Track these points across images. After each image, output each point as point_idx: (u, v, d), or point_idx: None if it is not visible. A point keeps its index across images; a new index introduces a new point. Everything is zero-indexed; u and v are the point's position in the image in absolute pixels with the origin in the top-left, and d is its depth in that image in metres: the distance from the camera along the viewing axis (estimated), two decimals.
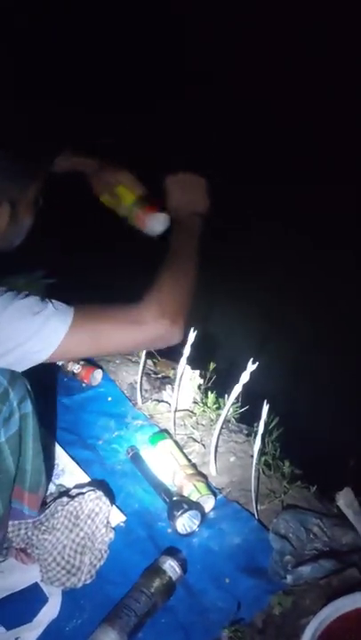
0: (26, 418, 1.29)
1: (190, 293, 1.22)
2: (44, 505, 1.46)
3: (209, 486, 1.60)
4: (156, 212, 1.42)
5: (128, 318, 1.16)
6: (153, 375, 2.08)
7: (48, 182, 1.26)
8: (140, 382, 1.94)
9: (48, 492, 1.56)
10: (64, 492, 1.52)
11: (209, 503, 1.56)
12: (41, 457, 1.36)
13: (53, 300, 1.14)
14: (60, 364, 1.99)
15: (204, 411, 1.88)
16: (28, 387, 1.28)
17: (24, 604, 1.36)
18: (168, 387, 1.98)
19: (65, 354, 1.15)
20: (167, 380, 2.04)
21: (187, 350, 1.66)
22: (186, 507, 1.48)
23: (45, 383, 1.97)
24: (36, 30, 3.97)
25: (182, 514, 1.47)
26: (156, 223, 1.42)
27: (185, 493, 1.56)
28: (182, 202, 1.37)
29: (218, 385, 1.92)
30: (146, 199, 1.44)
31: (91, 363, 2.04)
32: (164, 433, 1.77)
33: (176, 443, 1.74)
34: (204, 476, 1.64)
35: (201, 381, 1.95)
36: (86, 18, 4.31)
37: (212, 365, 1.93)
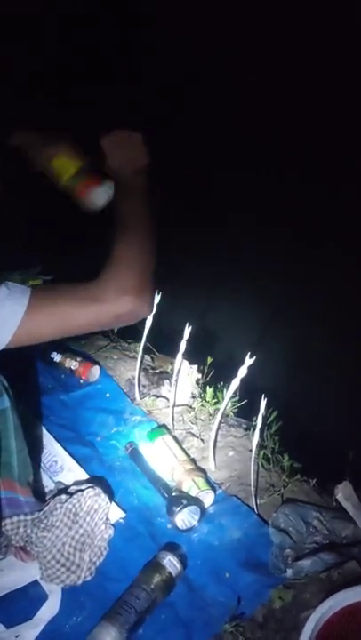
0: (3, 414, 1.28)
1: (152, 260, 1.15)
2: (42, 499, 1.46)
3: (208, 481, 1.59)
4: (96, 185, 1.34)
5: (88, 296, 1.10)
6: (151, 370, 2.08)
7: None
8: (138, 378, 1.93)
9: (47, 490, 1.56)
10: (63, 490, 1.51)
11: (208, 498, 1.55)
12: (25, 452, 1.35)
13: (9, 282, 1.10)
14: (57, 360, 1.99)
15: (202, 405, 1.88)
16: (5, 383, 1.27)
17: (24, 601, 1.36)
18: (166, 382, 1.97)
19: (27, 337, 1.10)
20: (165, 376, 2.03)
21: (183, 345, 1.65)
22: (185, 502, 1.48)
23: (42, 380, 1.97)
24: None
25: (182, 509, 1.47)
26: (95, 197, 1.34)
27: (184, 489, 1.55)
28: (122, 161, 1.26)
29: (216, 379, 1.91)
30: (86, 171, 1.35)
31: (88, 359, 2.04)
32: (163, 428, 1.76)
33: (175, 438, 1.73)
34: (203, 471, 1.63)
35: (199, 376, 1.95)
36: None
37: (209, 360, 1.93)
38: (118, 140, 1.28)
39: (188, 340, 1.66)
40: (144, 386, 1.98)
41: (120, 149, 1.28)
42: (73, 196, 1.36)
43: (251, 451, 1.54)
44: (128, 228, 1.17)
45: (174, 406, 1.78)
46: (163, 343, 2.07)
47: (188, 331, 1.64)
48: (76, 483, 1.56)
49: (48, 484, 1.59)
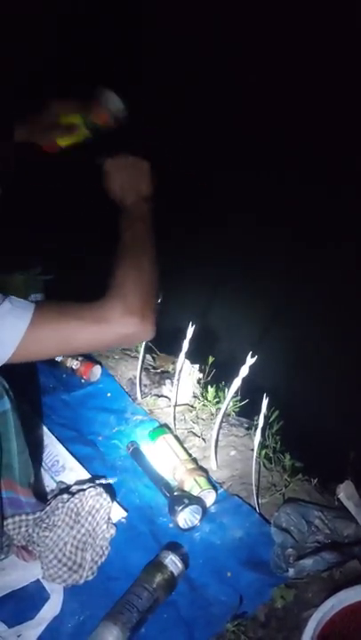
0: (4, 416, 1.27)
1: (154, 283, 1.17)
2: (44, 499, 1.46)
3: (210, 480, 1.60)
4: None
5: (93, 316, 1.10)
6: (152, 370, 2.08)
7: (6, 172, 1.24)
8: (140, 377, 1.93)
9: (49, 489, 1.56)
10: (64, 489, 1.51)
11: (210, 497, 1.55)
12: (27, 453, 1.35)
13: (12, 297, 1.09)
14: (58, 360, 1.99)
15: (204, 405, 1.88)
16: (6, 385, 1.26)
17: (26, 601, 1.36)
18: (168, 381, 1.97)
19: (28, 353, 1.09)
20: (167, 375, 2.04)
21: (185, 345, 1.65)
22: (187, 501, 1.48)
23: (44, 379, 1.97)
24: None
25: (183, 508, 1.47)
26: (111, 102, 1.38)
27: (186, 488, 1.55)
28: (126, 186, 1.29)
29: (217, 379, 1.92)
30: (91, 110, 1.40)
31: (90, 358, 2.04)
32: (164, 428, 1.76)
33: (176, 437, 1.74)
34: (204, 471, 1.63)
35: (200, 375, 1.95)
36: None
37: (211, 359, 1.93)
38: (124, 165, 1.31)
39: (189, 340, 1.66)
40: (145, 385, 1.98)
41: (125, 174, 1.30)
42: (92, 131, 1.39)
43: (252, 450, 1.54)
44: (131, 253, 1.18)
45: (176, 406, 1.78)
46: (164, 342, 2.08)
47: (191, 330, 1.64)
48: (78, 482, 1.56)
49: (50, 484, 1.59)
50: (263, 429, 1.48)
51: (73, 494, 1.45)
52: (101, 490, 1.47)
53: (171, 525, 1.51)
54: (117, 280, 1.13)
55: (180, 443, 1.72)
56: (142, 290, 1.13)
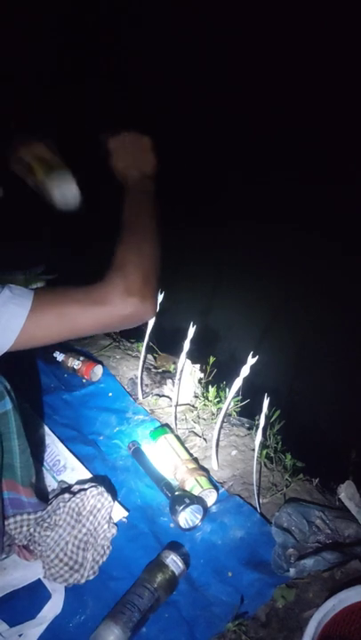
0: (5, 416, 1.27)
1: (157, 263, 1.15)
2: (45, 499, 1.46)
3: (211, 480, 1.60)
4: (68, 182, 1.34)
5: (93, 298, 1.09)
6: (153, 370, 2.08)
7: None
8: (141, 377, 1.93)
9: (50, 489, 1.57)
10: (66, 489, 1.51)
11: (211, 497, 1.55)
12: (28, 453, 1.35)
13: (11, 285, 1.09)
14: (59, 359, 1.99)
15: (205, 405, 1.88)
16: (7, 385, 1.26)
17: (27, 600, 1.36)
18: (169, 381, 1.97)
19: (31, 340, 1.09)
20: (168, 375, 2.04)
21: (187, 345, 1.65)
22: (188, 501, 1.48)
23: (45, 379, 1.97)
24: None
25: (184, 508, 1.47)
26: (61, 188, 1.35)
27: (187, 488, 1.55)
28: (129, 163, 1.27)
29: (218, 379, 1.92)
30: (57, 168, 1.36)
31: (91, 358, 2.04)
32: (166, 427, 1.76)
33: (177, 437, 1.73)
34: (205, 471, 1.64)
35: (202, 375, 1.95)
36: None
37: (212, 359, 1.93)
38: (127, 142, 1.28)
39: (190, 340, 1.66)
40: (147, 385, 1.98)
41: (128, 151, 1.28)
42: (43, 194, 1.36)
43: (253, 450, 1.54)
44: (134, 232, 1.16)
45: (177, 405, 1.78)
46: (165, 342, 2.08)
47: (192, 330, 1.64)
48: (79, 482, 1.56)
49: (51, 484, 1.59)
50: (264, 429, 1.49)
51: (74, 494, 1.45)
52: (103, 489, 1.47)
53: (172, 525, 1.51)
54: (118, 260, 1.12)
55: (182, 442, 1.72)
56: (143, 270, 1.11)
